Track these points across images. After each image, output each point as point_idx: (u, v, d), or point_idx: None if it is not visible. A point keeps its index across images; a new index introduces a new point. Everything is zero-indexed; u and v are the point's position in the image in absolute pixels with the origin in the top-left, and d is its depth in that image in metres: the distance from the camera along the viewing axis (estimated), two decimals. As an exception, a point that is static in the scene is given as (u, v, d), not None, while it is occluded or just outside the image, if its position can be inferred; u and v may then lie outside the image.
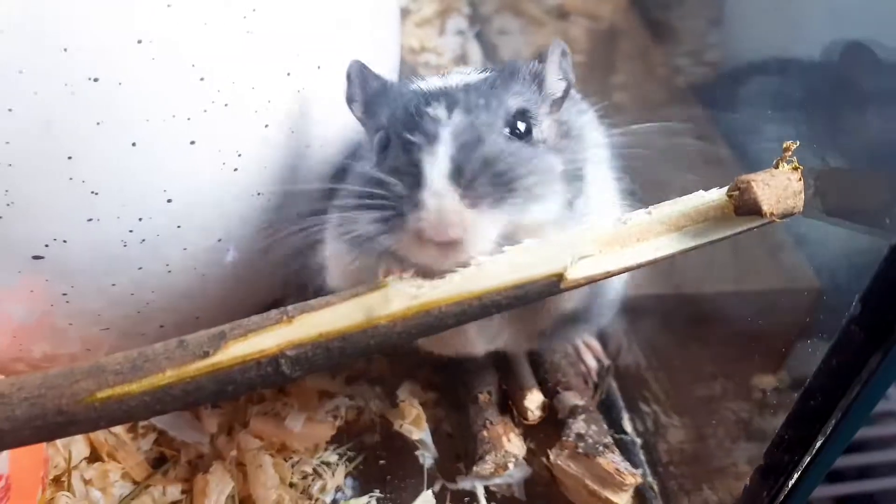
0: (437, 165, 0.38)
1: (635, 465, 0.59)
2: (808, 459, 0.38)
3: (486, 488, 0.58)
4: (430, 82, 0.47)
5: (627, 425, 0.62)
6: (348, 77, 0.49)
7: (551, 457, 0.56)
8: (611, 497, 0.53)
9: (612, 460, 0.54)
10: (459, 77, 0.47)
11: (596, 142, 0.52)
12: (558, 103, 0.48)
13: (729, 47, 0.65)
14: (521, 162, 0.40)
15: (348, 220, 0.42)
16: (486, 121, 0.41)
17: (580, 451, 0.55)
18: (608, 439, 0.56)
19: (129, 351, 0.37)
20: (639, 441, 0.61)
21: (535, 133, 0.44)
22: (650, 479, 0.58)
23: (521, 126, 0.43)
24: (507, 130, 0.43)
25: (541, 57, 0.48)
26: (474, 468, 0.56)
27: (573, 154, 0.46)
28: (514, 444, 0.57)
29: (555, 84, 0.47)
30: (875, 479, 0.76)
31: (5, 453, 0.45)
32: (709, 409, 0.57)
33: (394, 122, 0.43)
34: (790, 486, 0.40)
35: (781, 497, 0.40)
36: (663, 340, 0.63)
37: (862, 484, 0.76)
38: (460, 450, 0.59)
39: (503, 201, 0.38)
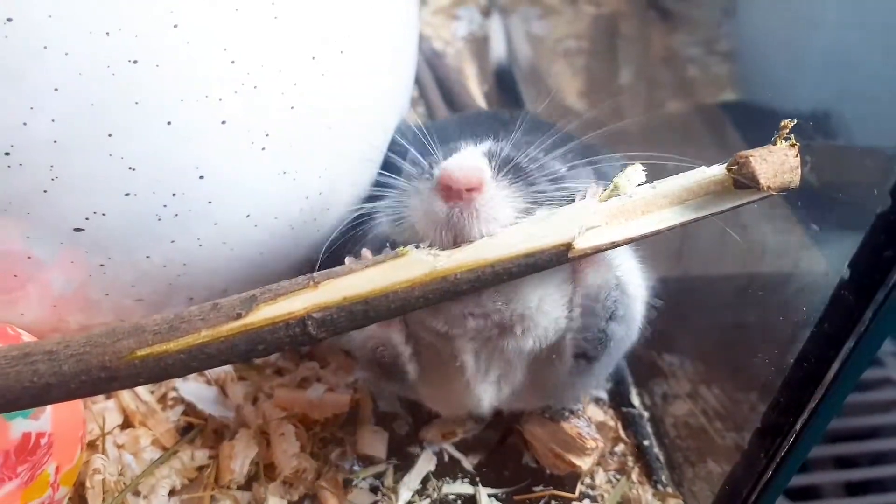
0: (472, 147, 0.45)
1: (643, 437, 0.61)
2: (803, 420, 0.40)
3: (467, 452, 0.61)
4: None
5: (635, 399, 0.64)
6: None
7: (521, 421, 0.59)
8: (574, 460, 0.57)
9: (576, 425, 0.57)
10: None
11: None
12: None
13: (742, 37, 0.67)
14: (542, 170, 0.45)
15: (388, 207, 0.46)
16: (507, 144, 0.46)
17: (546, 416, 0.58)
18: (577, 406, 0.59)
19: (167, 313, 0.40)
20: (646, 414, 0.63)
21: None
22: (657, 450, 0.61)
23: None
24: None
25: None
26: (421, 433, 0.60)
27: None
28: None
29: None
30: (887, 465, 0.78)
31: (48, 414, 0.48)
32: (714, 385, 0.59)
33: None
34: (786, 448, 0.42)
35: (778, 459, 0.43)
36: (671, 320, 0.65)
37: (873, 470, 0.78)
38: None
39: (519, 189, 0.42)
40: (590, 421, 0.59)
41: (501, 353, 0.47)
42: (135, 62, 0.44)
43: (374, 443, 0.60)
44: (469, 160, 0.42)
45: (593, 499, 0.57)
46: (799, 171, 0.39)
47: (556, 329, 0.46)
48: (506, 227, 0.41)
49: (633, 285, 0.49)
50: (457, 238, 0.40)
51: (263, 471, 0.58)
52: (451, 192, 0.40)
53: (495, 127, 0.51)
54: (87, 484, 0.55)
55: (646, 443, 0.61)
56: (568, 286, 0.46)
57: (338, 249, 0.48)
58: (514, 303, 0.44)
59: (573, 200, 0.42)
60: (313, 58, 0.51)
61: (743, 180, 0.38)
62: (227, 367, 0.64)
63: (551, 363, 0.48)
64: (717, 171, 0.40)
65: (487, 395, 0.50)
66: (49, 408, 0.48)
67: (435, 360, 0.48)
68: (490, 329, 0.45)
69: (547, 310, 0.45)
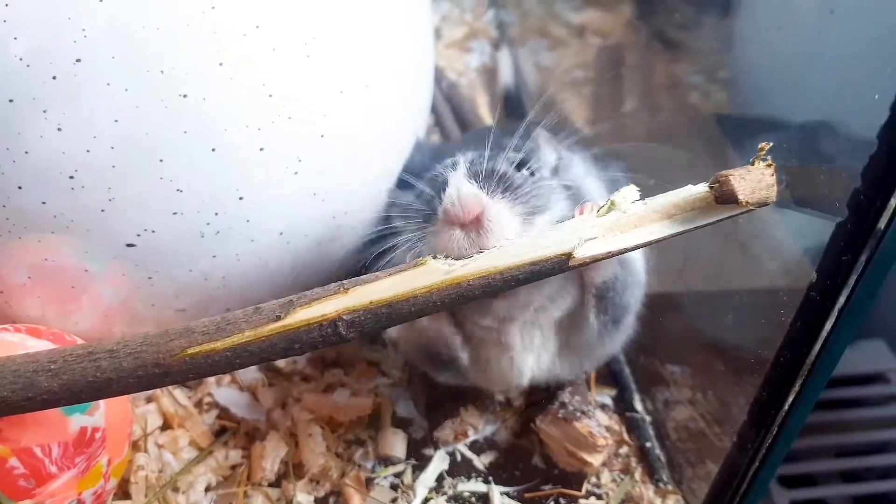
0: (455, 175, 0.50)
1: (645, 439, 0.65)
2: (786, 408, 0.44)
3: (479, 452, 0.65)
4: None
5: (638, 405, 0.68)
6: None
7: (537, 422, 0.64)
8: (586, 457, 0.61)
9: (587, 425, 0.61)
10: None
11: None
12: (555, 171, 0.58)
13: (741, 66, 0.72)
14: (526, 182, 0.51)
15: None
16: (493, 156, 0.52)
17: (560, 416, 0.62)
18: (588, 408, 0.63)
19: (214, 316, 0.45)
20: (648, 419, 0.67)
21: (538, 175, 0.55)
22: (658, 451, 0.65)
23: (526, 171, 0.54)
24: (515, 167, 0.53)
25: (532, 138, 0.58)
26: (435, 433, 0.65)
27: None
28: (471, 414, 0.67)
29: (549, 156, 0.59)
30: (893, 480, 0.81)
31: (102, 411, 0.53)
32: (711, 391, 0.63)
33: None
34: (773, 434, 0.46)
35: (764, 448, 0.47)
36: (671, 332, 0.70)
37: (880, 484, 0.81)
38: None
39: (515, 199, 0.49)
40: (599, 421, 0.63)
41: (539, 327, 0.56)
42: (184, 96, 0.50)
43: (395, 444, 0.64)
44: (463, 188, 0.47)
45: (599, 496, 0.61)
46: (775, 188, 0.44)
47: (576, 301, 0.55)
48: (515, 237, 0.47)
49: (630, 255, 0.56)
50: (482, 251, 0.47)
51: (293, 469, 0.63)
52: (462, 224, 0.47)
53: (477, 144, 0.57)
54: (132, 479, 0.60)
55: (648, 445, 0.65)
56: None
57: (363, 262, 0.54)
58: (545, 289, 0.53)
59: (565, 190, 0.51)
60: (341, 92, 0.56)
61: (723, 197, 0.43)
62: (259, 375, 0.69)
63: (581, 331, 0.57)
64: (701, 188, 0.44)
65: (528, 366, 0.58)
66: (102, 405, 0.53)
67: (482, 345, 0.57)
68: (529, 312, 0.55)
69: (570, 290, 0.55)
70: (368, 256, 0.55)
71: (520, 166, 0.53)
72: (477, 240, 0.46)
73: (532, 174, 0.54)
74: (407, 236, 0.52)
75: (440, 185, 0.51)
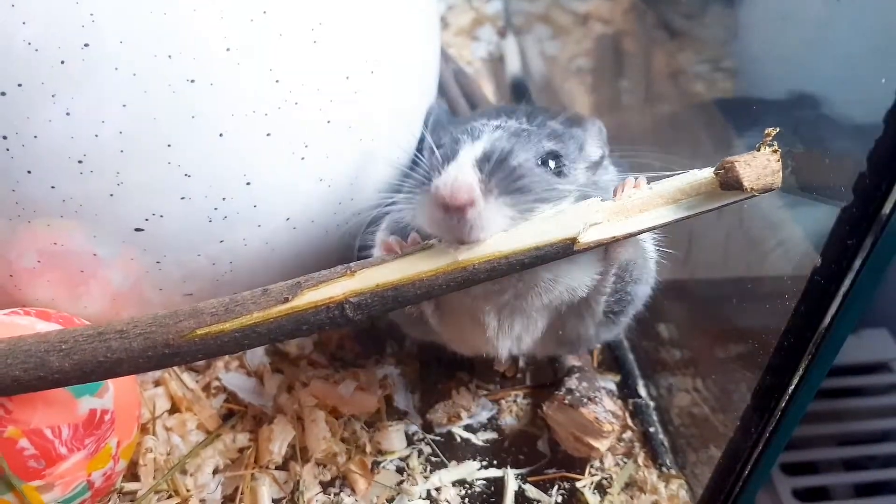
0: (469, 151, 0.47)
1: (649, 424, 0.66)
2: (789, 393, 0.45)
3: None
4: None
5: (642, 390, 0.69)
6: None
7: (544, 408, 0.64)
8: (593, 443, 0.61)
9: (593, 410, 0.61)
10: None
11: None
12: (594, 167, 0.56)
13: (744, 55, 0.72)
14: (539, 182, 0.47)
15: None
16: (522, 144, 0.49)
17: (566, 402, 0.62)
18: (595, 394, 0.63)
19: (222, 297, 0.46)
20: (652, 404, 0.68)
21: (567, 176, 0.52)
22: (662, 436, 0.65)
23: (552, 164, 0.51)
24: (539, 161, 0.50)
25: (582, 126, 0.57)
26: (427, 416, 0.66)
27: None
28: (463, 397, 0.68)
29: (592, 150, 0.56)
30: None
31: (111, 393, 0.54)
32: (715, 376, 0.64)
33: (451, 132, 0.52)
34: (776, 419, 0.46)
35: (769, 429, 0.47)
36: (677, 317, 0.70)
37: (883, 473, 0.82)
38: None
39: (513, 205, 0.45)
40: (605, 407, 0.63)
41: (522, 311, 0.53)
42: (192, 81, 0.50)
43: (393, 440, 0.65)
44: (461, 176, 0.44)
45: (602, 480, 0.62)
46: (780, 174, 0.44)
47: (570, 289, 0.51)
48: (502, 230, 0.45)
49: (649, 250, 0.55)
50: (460, 241, 0.44)
51: (299, 453, 0.63)
52: (447, 208, 0.43)
53: (500, 120, 0.55)
54: (140, 461, 0.61)
55: (651, 430, 0.65)
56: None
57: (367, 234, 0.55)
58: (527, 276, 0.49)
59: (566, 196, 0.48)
60: (347, 77, 0.57)
61: (728, 182, 0.44)
62: (266, 360, 0.70)
63: (580, 320, 0.55)
64: (706, 174, 0.45)
65: (505, 348, 0.56)
66: (111, 388, 0.54)
67: (459, 317, 0.55)
68: (508, 295, 0.51)
69: (562, 279, 0.50)
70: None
71: (548, 158, 0.50)
72: (456, 227, 0.44)
73: (559, 173, 0.50)
74: (403, 197, 0.50)
75: (451, 155, 0.47)
